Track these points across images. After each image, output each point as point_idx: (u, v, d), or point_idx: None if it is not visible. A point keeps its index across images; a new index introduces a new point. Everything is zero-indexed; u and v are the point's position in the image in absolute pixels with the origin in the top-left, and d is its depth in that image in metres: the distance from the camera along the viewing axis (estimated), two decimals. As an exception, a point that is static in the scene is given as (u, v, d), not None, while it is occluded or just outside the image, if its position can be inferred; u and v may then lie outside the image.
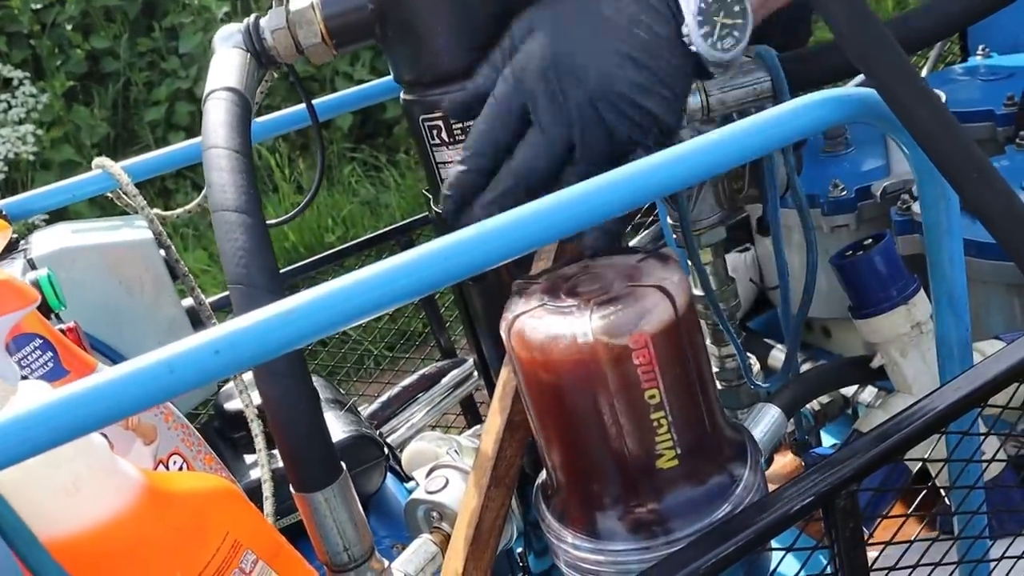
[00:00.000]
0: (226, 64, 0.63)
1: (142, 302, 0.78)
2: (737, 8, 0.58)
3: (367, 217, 2.74)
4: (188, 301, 0.85)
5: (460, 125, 0.64)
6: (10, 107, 2.75)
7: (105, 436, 0.45)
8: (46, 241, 0.78)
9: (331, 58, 0.67)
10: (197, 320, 0.84)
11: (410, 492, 0.86)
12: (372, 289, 0.39)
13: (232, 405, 0.80)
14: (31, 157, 2.72)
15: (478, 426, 1.18)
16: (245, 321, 0.37)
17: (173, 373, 0.35)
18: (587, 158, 0.54)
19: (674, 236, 0.83)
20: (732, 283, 0.87)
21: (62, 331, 0.64)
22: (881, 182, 0.98)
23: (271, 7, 0.70)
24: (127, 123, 3.22)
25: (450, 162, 0.66)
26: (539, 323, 0.47)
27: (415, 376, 1.13)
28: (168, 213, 0.91)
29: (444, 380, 1.12)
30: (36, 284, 0.65)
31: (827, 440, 1.02)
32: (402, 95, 0.67)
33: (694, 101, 0.70)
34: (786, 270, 0.79)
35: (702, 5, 0.56)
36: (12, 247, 0.80)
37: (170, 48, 3.22)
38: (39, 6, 3.12)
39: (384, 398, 1.10)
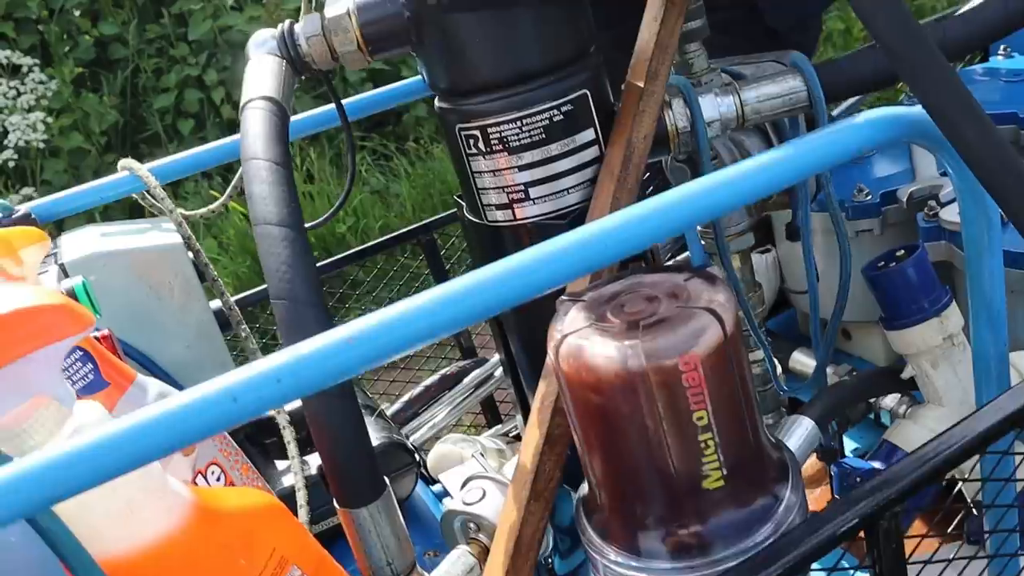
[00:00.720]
0: (262, 72, 0.63)
1: (171, 306, 0.78)
2: None
3: (378, 207, 2.74)
4: (216, 303, 0.85)
5: (498, 134, 0.64)
6: (19, 94, 2.75)
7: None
8: (76, 245, 0.78)
9: (366, 65, 0.67)
10: (225, 322, 0.84)
11: (437, 496, 0.87)
12: (431, 314, 0.39)
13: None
14: (41, 145, 2.71)
15: (499, 426, 1.18)
16: (305, 348, 0.37)
17: (236, 402, 0.35)
18: None
19: (700, 243, 0.83)
20: (759, 289, 0.87)
21: (96, 339, 0.64)
22: (907, 187, 0.97)
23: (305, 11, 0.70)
24: (135, 110, 3.21)
25: (487, 171, 0.65)
26: (588, 344, 0.47)
27: (436, 376, 1.13)
28: (191, 213, 0.91)
29: (466, 380, 1.13)
30: (71, 292, 0.65)
31: (849, 444, 1.03)
32: (436, 102, 0.67)
33: (728, 110, 0.70)
34: (815, 280, 0.79)
35: None
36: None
37: (179, 34, 3.21)
38: (48, -8, 3.11)
39: (406, 398, 1.10)
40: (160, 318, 0.78)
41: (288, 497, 0.69)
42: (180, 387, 0.76)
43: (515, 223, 0.67)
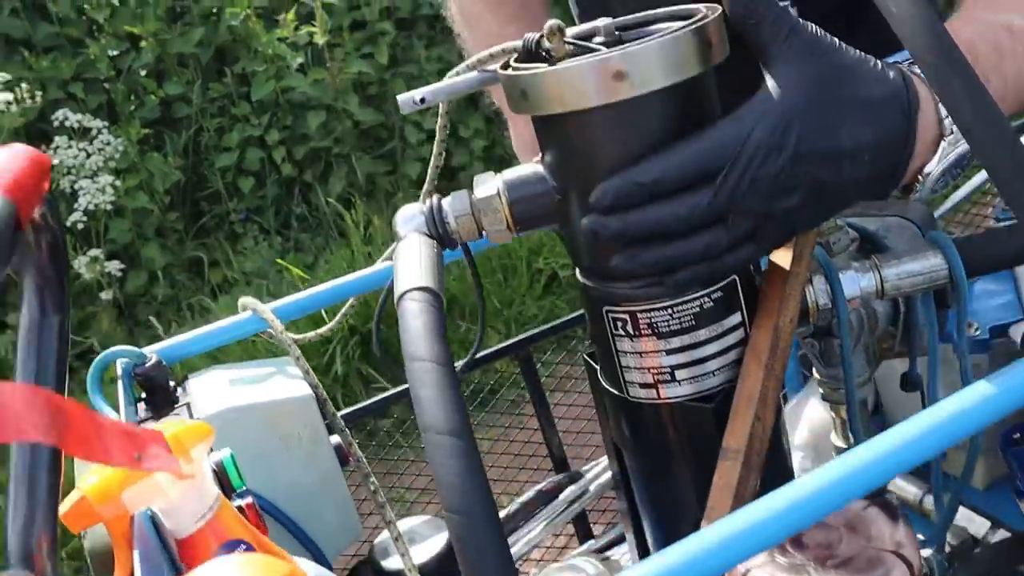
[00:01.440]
0: (416, 256, 0.64)
1: (299, 456, 0.79)
2: None
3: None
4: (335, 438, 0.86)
5: (648, 319, 0.64)
6: (88, 155, 2.81)
7: None
8: (207, 396, 0.79)
9: (510, 239, 0.68)
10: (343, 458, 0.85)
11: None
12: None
13: (391, 564, 0.80)
14: (109, 207, 2.77)
15: (591, 541, 1.18)
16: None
17: None
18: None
19: (820, 391, 0.83)
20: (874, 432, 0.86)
21: (240, 508, 0.65)
22: (1019, 326, 0.96)
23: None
24: (197, 167, 3.27)
25: (632, 352, 0.66)
26: (778, 588, 0.47)
27: (533, 492, 1.13)
28: (300, 337, 0.93)
29: (562, 496, 1.12)
30: (220, 466, 0.66)
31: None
32: (580, 276, 0.68)
33: (868, 285, 0.70)
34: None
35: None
36: (169, 394, 0.82)
37: (240, 93, 3.27)
38: (115, 53, 3.19)
39: (503, 514, 1.10)
40: (286, 467, 0.79)
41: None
42: (319, 551, 0.77)
43: (658, 402, 0.67)
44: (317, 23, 3.00)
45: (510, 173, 0.66)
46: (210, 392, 0.79)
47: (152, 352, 0.82)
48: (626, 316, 0.65)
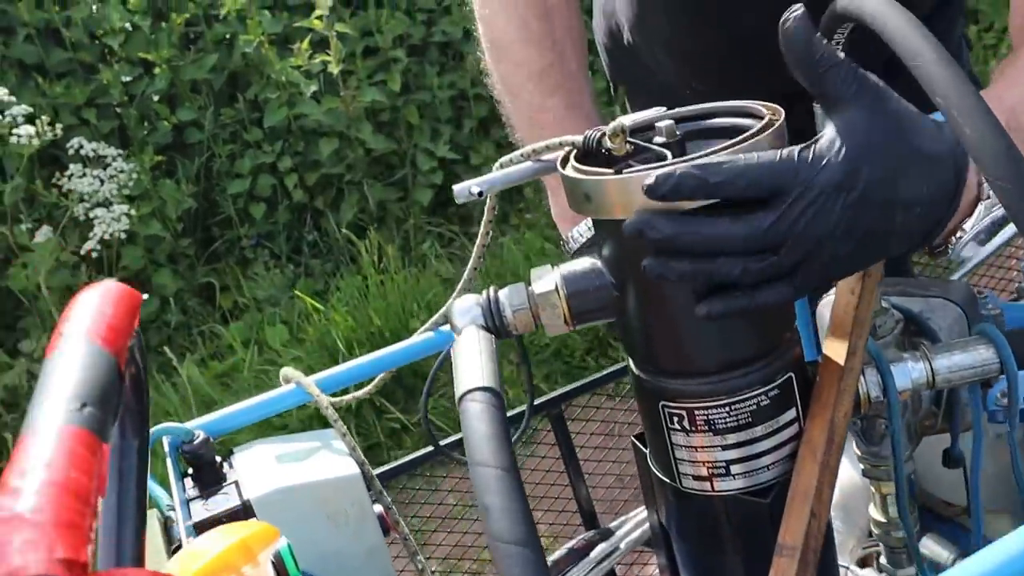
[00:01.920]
0: (475, 353, 0.64)
1: (346, 533, 0.79)
2: None
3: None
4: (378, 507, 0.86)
5: (705, 416, 0.64)
6: (102, 183, 2.82)
7: None
8: (254, 474, 0.79)
9: (566, 331, 0.68)
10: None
11: None
12: None
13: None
14: (123, 236, 2.78)
15: (621, 600, 1.18)
16: None
17: None
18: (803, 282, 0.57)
19: (861, 466, 0.84)
20: (915, 507, 0.87)
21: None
22: (1057, 395, 0.97)
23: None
24: (208, 193, 3.28)
25: (687, 446, 0.66)
26: None
27: (563, 551, 1.13)
28: (337, 400, 0.93)
29: (593, 554, 1.13)
30: (278, 556, 0.66)
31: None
32: (634, 367, 0.68)
33: (919, 377, 0.71)
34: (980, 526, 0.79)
35: None
36: (216, 471, 0.82)
37: (252, 119, 3.28)
38: (128, 79, 3.20)
39: None
40: (334, 543, 0.79)
41: None
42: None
43: (711, 494, 0.67)
44: (332, 52, 3.01)
45: (567, 268, 0.66)
46: (258, 470, 0.80)
47: (198, 429, 0.82)
48: (683, 412, 0.65)
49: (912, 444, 0.81)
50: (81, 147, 2.87)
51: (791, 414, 0.66)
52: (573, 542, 1.15)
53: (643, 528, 1.17)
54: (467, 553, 1.43)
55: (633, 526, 1.17)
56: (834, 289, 0.75)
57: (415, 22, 3.42)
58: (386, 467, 1.10)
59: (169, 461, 0.80)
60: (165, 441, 0.81)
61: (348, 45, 3.19)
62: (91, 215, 2.75)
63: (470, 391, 0.62)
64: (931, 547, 1.10)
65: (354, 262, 3.19)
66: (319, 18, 2.99)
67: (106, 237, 2.71)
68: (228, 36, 3.32)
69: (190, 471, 0.82)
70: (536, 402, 1.17)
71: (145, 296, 2.93)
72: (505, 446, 0.59)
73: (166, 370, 2.93)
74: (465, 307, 0.69)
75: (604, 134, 0.64)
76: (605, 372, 1.15)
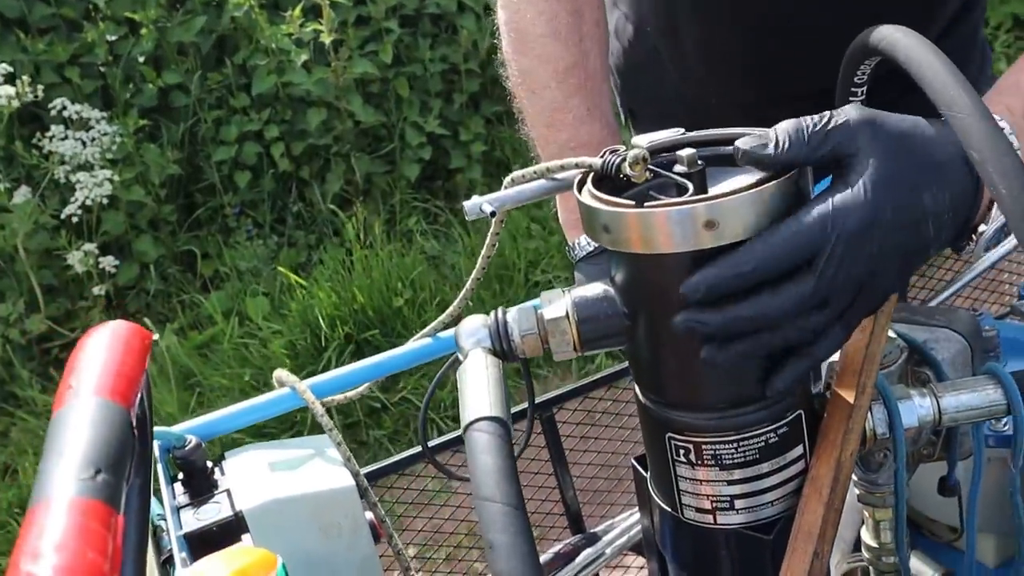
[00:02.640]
0: (482, 379, 0.63)
1: (339, 545, 0.78)
2: None
3: (435, 278, 2.74)
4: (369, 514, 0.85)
5: (712, 451, 0.63)
6: (85, 146, 2.76)
7: None
8: (247, 482, 0.78)
9: (574, 356, 0.67)
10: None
11: None
12: None
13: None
14: (105, 201, 2.73)
15: (605, 604, 1.18)
16: None
17: None
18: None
19: (857, 492, 0.83)
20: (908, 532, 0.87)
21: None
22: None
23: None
24: (192, 159, 3.22)
25: (691, 479, 0.65)
26: None
27: (549, 555, 1.13)
28: (328, 400, 0.91)
29: (578, 559, 1.12)
30: (272, 575, 0.65)
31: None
32: (640, 395, 0.67)
33: (926, 414, 0.70)
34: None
35: None
36: (207, 477, 0.80)
37: (240, 85, 3.22)
38: (113, 38, 3.12)
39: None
40: (326, 556, 0.78)
41: None
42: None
43: (713, 527, 0.66)
44: (324, 21, 2.95)
45: (579, 293, 0.65)
46: (250, 478, 0.78)
47: (189, 434, 0.80)
48: (689, 445, 0.64)
49: (909, 472, 0.81)
50: (64, 108, 2.80)
51: (799, 450, 0.65)
52: (559, 546, 1.15)
53: (629, 534, 1.17)
54: (447, 540, 1.43)
55: (619, 532, 1.17)
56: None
57: (409, -8, 3.37)
58: (375, 466, 1.09)
59: (160, 467, 0.78)
60: (155, 446, 0.79)
61: (340, 14, 3.13)
62: (72, 178, 2.69)
63: (477, 420, 0.61)
64: (915, 564, 1.11)
65: (338, 235, 3.15)
66: (312, -15, 2.93)
67: (87, 202, 2.66)
68: (217, -2, 3.25)
69: (180, 475, 0.80)
70: (525, 406, 1.16)
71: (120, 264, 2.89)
72: (512, 481, 0.58)
73: (144, 338, 2.89)
74: (472, 328, 0.67)
75: (624, 160, 0.62)
76: (598, 376, 1.15)
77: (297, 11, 3.00)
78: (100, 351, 0.37)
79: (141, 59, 3.15)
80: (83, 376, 0.35)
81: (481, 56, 3.38)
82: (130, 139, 2.93)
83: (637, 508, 1.29)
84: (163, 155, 3.00)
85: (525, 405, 1.15)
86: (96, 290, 2.80)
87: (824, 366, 0.74)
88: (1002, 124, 0.66)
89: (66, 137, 2.73)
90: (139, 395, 0.38)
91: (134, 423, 0.35)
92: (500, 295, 2.78)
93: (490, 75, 3.35)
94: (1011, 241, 1.37)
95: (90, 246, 2.73)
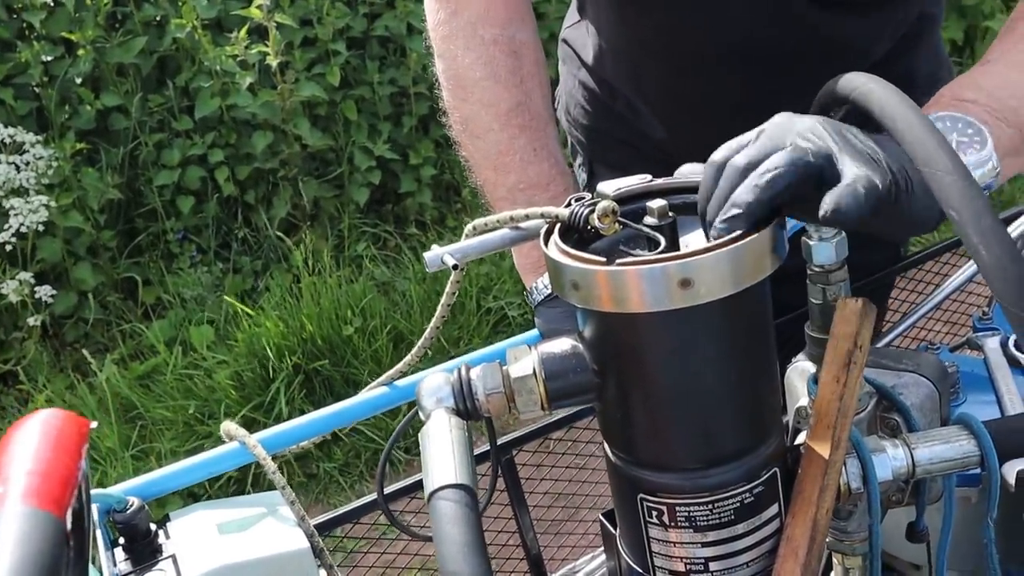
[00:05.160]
0: (447, 443, 0.60)
1: (292, 611, 0.74)
2: None
3: (385, 305, 2.69)
4: None
5: (686, 513, 0.61)
6: (18, 170, 2.66)
7: None
8: (194, 546, 0.73)
9: (541, 415, 0.65)
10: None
11: None
12: None
13: None
14: (41, 228, 2.63)
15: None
16: None
17: None
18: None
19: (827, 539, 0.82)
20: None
21: None
22: (1012, 464, 0.97)
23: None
24: (133, 183, 3.13)
25: (664, 541, 0.63)
26: None
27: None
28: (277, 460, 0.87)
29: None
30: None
31: None
32: (611, 454, 0.64)
33: (900, 466, 0.69)
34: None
35: None
36: (151, 542, 0.76)
37: (182, 108, 3.15)
38: (49, 58, 3.03)
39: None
40: (278, 622, 0.74)
41: None
42: None
43: (688, 590, 0.64)
44: (270, 43, 2.90)
45: (545, 349, 0.62)
46: (198, 542, 0.74)
47: (130, 495, 0.76)
48: (663, 507, 0.62)
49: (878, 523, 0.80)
50: (-4, 131, 2.70)
51: (774, 509, 0.64)
52: (520, 590, 1.11)
53: (591, 578, 1.14)
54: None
55: None
56: (803, 355, 0.73)
57: (357, 14, 3.32)
58: (329, 515, 1.04)
59: (99, 532, 0.73)
60: (94, 509, 0.74)
61: (286, 35, 3.07)
62: (5, 204, 2.59)
63: (442, 488, 0.58)
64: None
65: (285, 261, 3.09)
66: (258, 7, 2.88)
67: (22, 229, 2.56)
68: (158, 18, 3.17)
69: (121, 540, 0.76)
70: (486, 448, 1.13)
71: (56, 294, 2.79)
72: (480, 554, 0.55)
73: (82, 369, 2.79)
74: (434, 387, 0.64)
75: (593, 211, 0.60)
76: (557, 417, 1.12)
77: (242, 33, 2.94)
78: (30, 447, 0.33)
79: (78, 80, 3.06)
80: (11, 479, 0.31)
81: (430, 79, 3.35)
82: (67, 163, 2.84)
83: (597, 550, 1.26)
84: (102, 179, 2.91)
85: (486, 447, 1.12)
86: (31, 320, 2.70)
87: (792, 413, 0.72)
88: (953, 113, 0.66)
89: (-1, 161, 2.63)
90: (76, 490, 0.34)
91: (69, 528, 0.31)
92: (452, 322, 2.75)
93: (438, 96, 3.32)
94: (965, 272, 1.38)
95: (25, 275, 2.62)
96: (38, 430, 0.34)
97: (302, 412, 2.50)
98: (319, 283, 2.72)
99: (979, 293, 1.31)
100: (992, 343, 1.14)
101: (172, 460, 2.34)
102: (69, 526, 0.32)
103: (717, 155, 0.58)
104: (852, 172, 0.53)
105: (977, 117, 0.67)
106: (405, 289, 2.81)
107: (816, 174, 0.54)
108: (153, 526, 0.77)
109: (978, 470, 0.75)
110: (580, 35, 1.15)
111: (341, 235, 3.17)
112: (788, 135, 0.56)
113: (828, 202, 0.52)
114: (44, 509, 0.30)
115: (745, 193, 0.54)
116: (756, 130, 0.58)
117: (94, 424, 0.37)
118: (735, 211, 0.53)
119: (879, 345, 1.23)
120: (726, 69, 1.00)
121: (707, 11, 0.95)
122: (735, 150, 0.57)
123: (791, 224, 0.62)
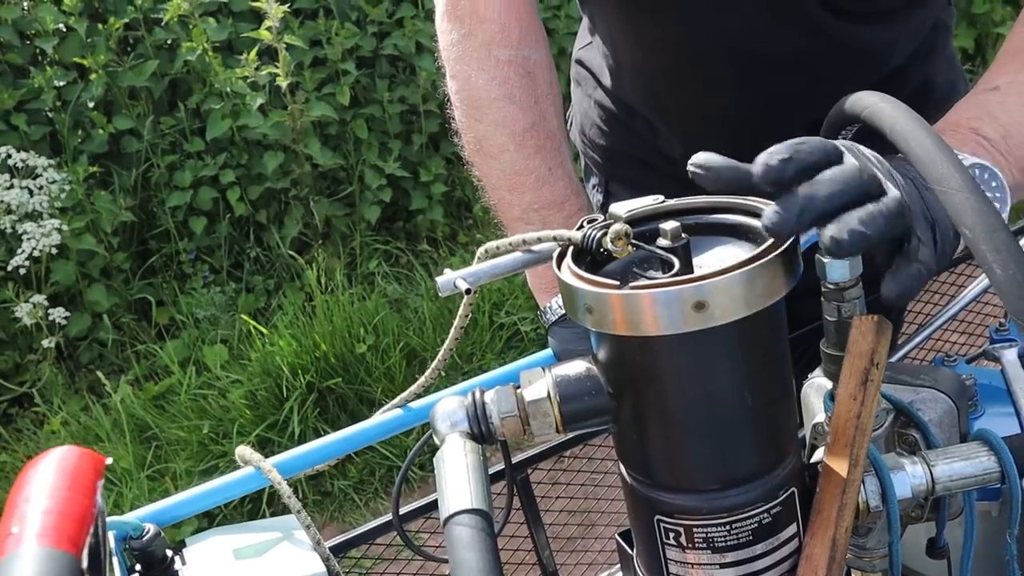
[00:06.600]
0: (462, 468, 0.59)
1: (309, 636, 0.74)
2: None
3: (398, 322, 2.69)
4: None
5: (703, 534, 0.61)
6: (32, 194, 2.68)
7: None
8: (208, 571, 0.73)
9: (554, 436, 0.64)
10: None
11: None
12: None
13: None
14: (54, 251, 2.64)
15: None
16: None
17: None
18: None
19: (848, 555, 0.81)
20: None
21: None
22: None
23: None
24: (146, 205, 3.15)
25: (682, 562, 0.62)
26: None
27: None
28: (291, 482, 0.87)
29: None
30: None
31: None
32: (626, 474, 0.64)
33: (919, 483, 0.68)
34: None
35: None
36: (168, 569, 0.76)
37: (194, 129, 3.17)
38: (62, 83, 3.05)
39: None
40: (295, 648, 0.73)
41: None
42: None
43: (707, 611, 0.63)
44: (280, 64, 2.92)
45: (560, 372, 0.62)
46: (214, 568, 0.74)
47: (146, 522, 0.76)
48: (680, 528, 0.61)
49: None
50: (9, 156, 2.72)
51: (792, 529, 0.63)
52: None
53: (609, 596, 1.13)
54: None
55: (599, 594, 1.13)
56: (819, 371, 0.73)
57: (366, 34, 3.34)
58: (345, 536, 1.04)
59: (115, 561, 0.73)
60: (110, 536, 0.74)
61: (296, 56, 3.10)
62: (19, 228, 2.61)
63: (458, 514, 0.58)
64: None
65: (298, 279, 3.10)
66: (268, 29, 2.90)
67: (35, 253, 2.57)
68: (169, 42, 3.20)
69: (137, 567, 0.76)
70: (501, 467, 1.12)
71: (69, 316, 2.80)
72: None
73: (97, 390, 2.80)
74: (448, 411, 0.64)
75: (606, 234, 0.60)
76: (572, 435, 1.12)
77: (252, 54, 2.96)
78: (45, 486, 0.33)
79: (91, 104, 3.08)
80: (27, 519, 0.31)
81: (440, 96, 3.37)
82: (80, 186, 2.86)
83: (614, 567, 1.25)
84: (115, 202, 2.93)
85: (501, 465, 1.11)
86: (46, 342, 2.71)
87: (808, 429, 0.72)
88: (981, 161, 0.66)
89: (12, 186, 2.65)
90: (92, 528, 0.34)
91: (85, 566, 0.31)
92: (465, 338, 2.75)
93: (449, 115, 3.33)
94: (980, 283, 1.37)
95: (39, 297, 2.64)
96: (53, 468, 0.34)
97: (316, 430, 2.51)
98: (332, 301, 2.72)
99: (995, 304, 1.31)
100: (1010, 354, 1.13)
101: (187, 480, 2.36)
102: (85, 563, 0.32)
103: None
104: (919, 251, 0.55)
105: (998, 165, 0.69)
106: (418, 306, 2.82)
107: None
108: (169, 552, 0.77)
109: (999, 485, 0.74)
110: (595, 55, 1.15)
111: (353, 253, 3.18)
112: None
113: (893, 288, 0.57)
114: (61, 549, 0.30)
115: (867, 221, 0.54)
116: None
117: (109, 460, 0.37)
118: (862, 229, 0.53)
119: (896, 357, 1.23)
120: (743, 83, 1.00)
121: (718, 26, 0.95)
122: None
123: (804, 238, 0.62)
